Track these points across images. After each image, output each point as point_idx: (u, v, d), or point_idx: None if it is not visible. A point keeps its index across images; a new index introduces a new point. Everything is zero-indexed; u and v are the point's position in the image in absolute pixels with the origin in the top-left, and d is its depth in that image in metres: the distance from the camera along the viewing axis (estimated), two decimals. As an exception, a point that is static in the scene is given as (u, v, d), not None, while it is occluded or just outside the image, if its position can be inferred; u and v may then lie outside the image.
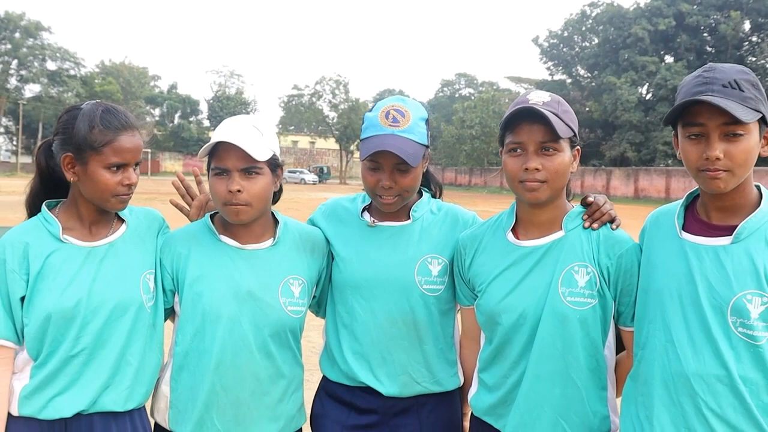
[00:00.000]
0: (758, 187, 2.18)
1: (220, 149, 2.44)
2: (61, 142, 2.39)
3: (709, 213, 2.18)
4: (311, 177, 73.39)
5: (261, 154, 2.43)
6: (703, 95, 2.03)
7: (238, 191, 2.41)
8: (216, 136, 2.45)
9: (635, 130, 58.24)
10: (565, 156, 2.33)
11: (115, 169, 2.35)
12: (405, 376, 2.62)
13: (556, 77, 74.00)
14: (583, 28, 69.74)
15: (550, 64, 73.53)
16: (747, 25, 60.37)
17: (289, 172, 75.76)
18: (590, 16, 68.82)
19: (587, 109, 64.54)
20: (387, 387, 2.61)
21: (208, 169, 2.52)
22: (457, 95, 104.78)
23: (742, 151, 2.03)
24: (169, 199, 2.97)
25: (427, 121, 2.66)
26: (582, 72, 71.45)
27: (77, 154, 2.35)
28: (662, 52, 63.11)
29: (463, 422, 2.78)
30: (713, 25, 60.92)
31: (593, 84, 66.23)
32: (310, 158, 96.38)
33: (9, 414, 2.35)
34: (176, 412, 2.54)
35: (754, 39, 62.12)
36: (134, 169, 2.42)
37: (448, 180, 75.05)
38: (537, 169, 2.28)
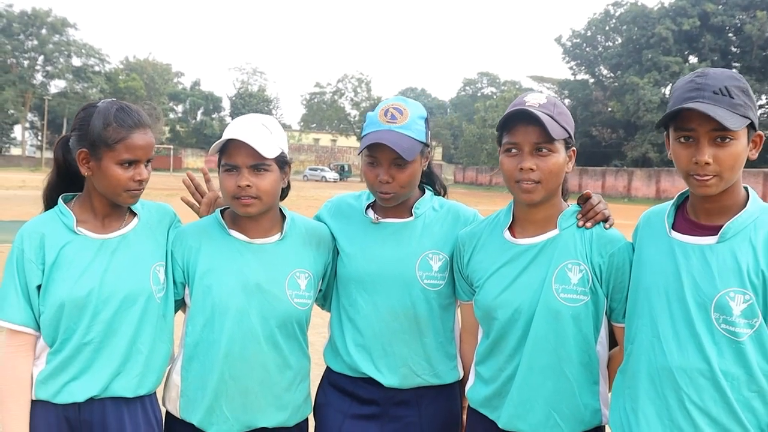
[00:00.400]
0: (746, 189, 2.24)
1: (230, 146, 2.53)
2: (77, 138, 2.49)
3: (697, 213, 2.25)
4: (332, 175, 73.31)
5: (269, 151, 2.52)
6: (694, 101, 2.09)
7: (247, 186, 2.51)
8: (226, 133, 2.54)
9: (657, 130, 57.58)
10: (560, 157, 2.40)
11: (127, 165, 2.45)
12: (405, 368, 2.69)
13: (579, 77, 73.68)
14: (607, 28, 69.35)
15: (572, 63, 73.19)
16: (773, 26, 59.65)
17: (310, 169, 75.77)
18: (614, 16, 68.43)
19: (609, 109, 64.19)
20: (387, 378, 2.69)
21: (218, 165, 2.61)
22: (479, 94, 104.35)
23: (731, 155, 2.10)
24: (180, 197, 3.07)
25: (426, 120, 2.73)
26: (605, 72, 71.01)
27: (92, 149, 2.44)
28: (686, 53, 62.57)
29: (462, 415, 2.85)
30: (738, 25, 60.26)
31: (616, 84, 65.77)
32: (332, 156, 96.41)
33: None
34: (187, 401, 2.62)
35: (780, 39, 61.42)
36: (146, 166, 2.51)
37: (469, 179, 74.80)
38: (531, 169, 2.36)
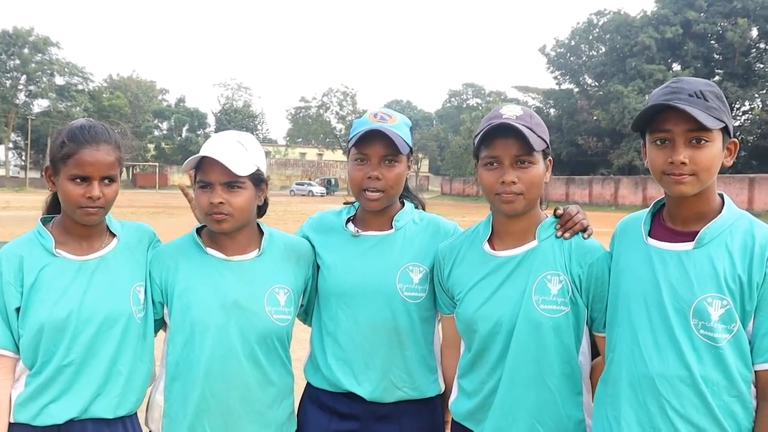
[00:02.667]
0: (721, 196, 2.27)
1: (205, 163, 2.55)
2: (48, 155, 2.52)
3: (674, 219, 2.27)
4: (319, 189, 73.47)
5: (243, 169, 2.53)
6: (671, 102, 2.13)
7: (221, 203, 2.51)
8: (202, 150, 2.56)
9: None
10: (539, 168, 2.41)
11: (78, 181, 2.43)
12: (386, 381, 2.69)
13: (564, 86, 74.07)
14: (590, 37, 69.80)
15: (557, 73, 73.59)
16: (754, 32, 60.25)
17: (297, 184, 75.91)
18: (597, 25, 68.90)
19: (595, 117, 64.53)
20: (368, 391, 2.68)
21: (194, 181, 2.62)
22: (464, 105, 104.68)
23: (706, 157, 2.13)
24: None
25: (411, 129, 2.80)
26: (589, 81, 71.47)
27: (53, 165, 2.48)
28: (669, 60, 63.03)
29: (444, 430, 2.83)
30: (720, 32, 60.80)
31: (600, 93, 66.12)
32: (318, 170, 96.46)
33: None
34: (169, 421, 2.61)
35: (762, 46, 62.04)
36: (105, 184, 2.47)
37: (456, 190, 75.03)
38: (513, 182, 2.37)
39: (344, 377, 2.69)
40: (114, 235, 2.64)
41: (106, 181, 2.46)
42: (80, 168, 2.41)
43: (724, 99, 2.20)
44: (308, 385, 2.86)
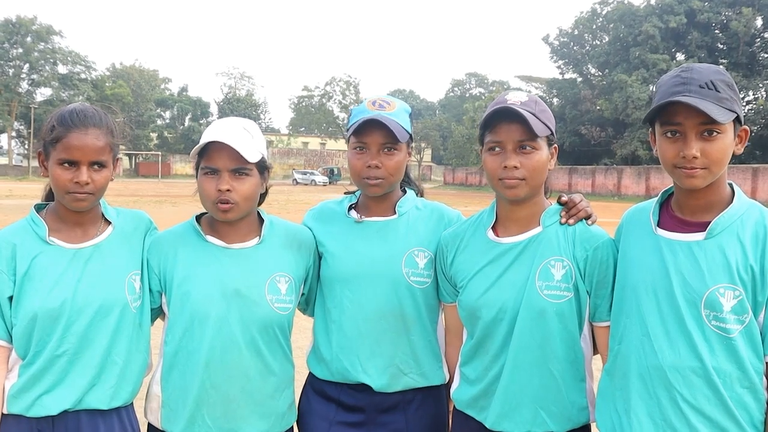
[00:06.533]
0: (731, 185, 2.25)
1: (211, 149, 2.48)
2: (41, 140, 2.47)
3: (683, 210, 2.25)
4: (321, 178, 73.41)
5: (252, 155, 2.48)
6: (681, 95, 2.09)
7: (228, 191, 2.46)
8: (208, 135, 2.49)
9: (644, 126, 57.76)
10: (543, 154, 2.39)
11: (67, 165, 2.38)
12: (393, 367, 2.66)
13: (567, 76, 73.85)
14: (594, 26, 69.52)
15: (560, 62, 73.33)
16: (759, 22, 59.99)
17: (299, 173, 75.72)
18: (601, 14, 68.60)
19: (598, 107, 64.30)
20: (375, 380, 2.65)
21: (196, 169, 2.57)
22: (467, 95, 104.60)
23: (718, 149, 2.10)
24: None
25: (410, 115, 2.76)
26: (593, 70, 71.21)
27: (44, 150, 2.42)
28: (673, 50, 62.78)
29: (449, 418, 2.80)
30: (725, 21, 60.57)
31: (604, 82, 65.92)
32: (321, 159, 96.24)
33: None
34: (168, 411, 2.58)
35: (767, 35, 61.69)
36: (94, 169, 2.41)
37: (458, 180, 74.90)
38: (515, 166, 2.35)
39: (351, 366, 2.66)
40: (109, 223, 2.59)
41: (96, 166, 2.40)
42: (68, 152, 2.36)
43: (735, 86, 2.16)
44: (311, 376, 2.82)
